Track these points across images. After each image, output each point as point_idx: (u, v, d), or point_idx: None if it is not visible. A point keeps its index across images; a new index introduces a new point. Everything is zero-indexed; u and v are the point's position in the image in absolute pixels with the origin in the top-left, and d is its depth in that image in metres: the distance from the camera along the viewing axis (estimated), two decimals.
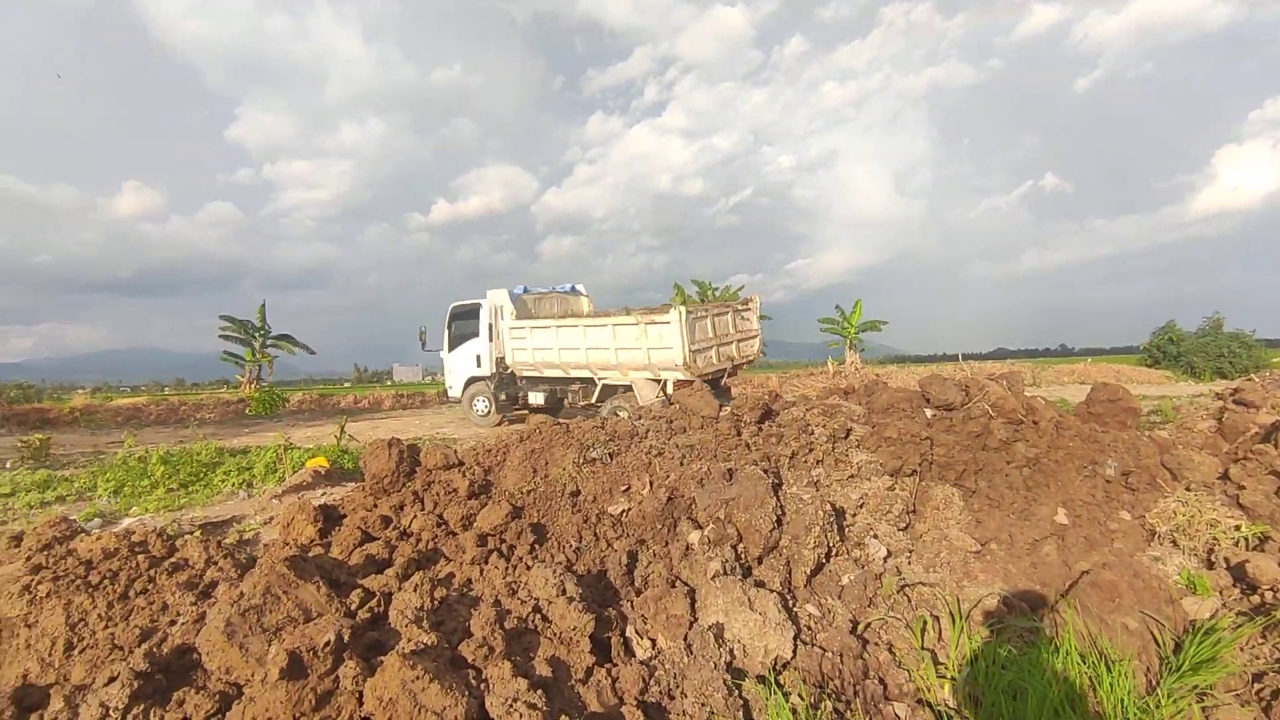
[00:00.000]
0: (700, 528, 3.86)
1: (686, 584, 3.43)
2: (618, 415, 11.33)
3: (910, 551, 3.89)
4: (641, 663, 2.93)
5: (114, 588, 3.43)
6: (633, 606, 3.31)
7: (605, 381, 12.83)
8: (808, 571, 3.61)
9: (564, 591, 3.06)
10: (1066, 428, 4.69)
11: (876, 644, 3.26)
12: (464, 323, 15.04)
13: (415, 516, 4.21)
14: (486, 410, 14.77)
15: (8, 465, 9.99)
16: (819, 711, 2.69)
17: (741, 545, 3.69)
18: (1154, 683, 3.03)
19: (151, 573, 3.59)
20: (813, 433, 4.79)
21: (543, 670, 2.69)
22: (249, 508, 6.38)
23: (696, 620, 3.17)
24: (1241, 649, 3.16)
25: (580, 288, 16.03)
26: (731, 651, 3.00)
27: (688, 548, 3.73)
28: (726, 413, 5.24)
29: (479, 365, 14.68)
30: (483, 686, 2.51)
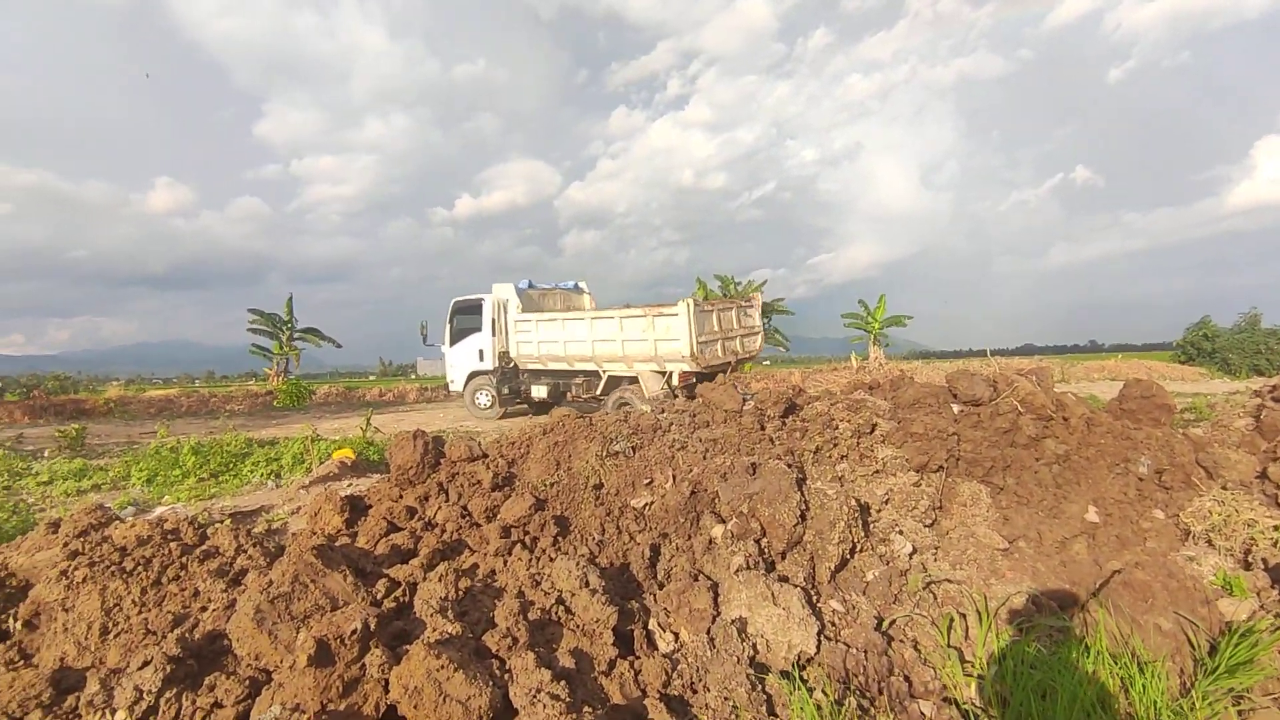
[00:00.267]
0: (723, 522, 3.84)
1: (709, 578, 3.41)
2: (624, 407, 11.35)
3: (936, 548, 3.84)
4: (664, 656, 2.92)
5: (147, 574, 3.51)
6: (655, 600, 3.30)
7: (610, 374, 12.90)
8: (832, 567, 3.57)
9: (587, 584, 3.07)
10: (1098, 424, 4.59)
11: (901, 641, 3.22)
12: (466, 317, 15.19)
13: (440, 508, 4.25)
14: (489, 403, 14.92)
15: (45, 454, 10.29)
16: (843, 707, 2.66)
17: (765, 540, 3.66)
18: (1188, 685, 2.96)
19: (183, 560, 3.67)
20: (837, 427, 4.74)
21: (566, 661, 2.70)
22: (277, 497, 6.51)
23: (719, 614, 3.15)
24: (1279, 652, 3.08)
25: (583, 285, 16.12)
26: (754, 646, 2.98)
27: (711, 542, 3.72)
28: (749, 407, 5.21)
29: (481, 359, 14.82)
30: (506, 677, 2.52)
